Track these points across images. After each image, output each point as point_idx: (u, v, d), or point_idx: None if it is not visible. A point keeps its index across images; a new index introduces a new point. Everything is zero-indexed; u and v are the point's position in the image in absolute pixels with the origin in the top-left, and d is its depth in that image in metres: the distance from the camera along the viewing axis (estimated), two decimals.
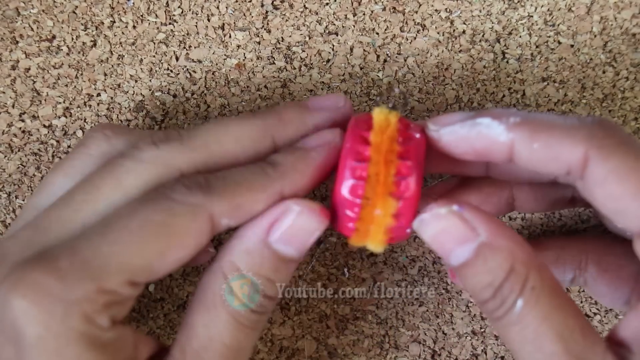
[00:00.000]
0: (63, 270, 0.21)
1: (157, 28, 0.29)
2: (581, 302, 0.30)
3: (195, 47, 0.30)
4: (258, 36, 0.30)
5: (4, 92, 0.29)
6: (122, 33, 0.29)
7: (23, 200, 0.29)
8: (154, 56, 0.29)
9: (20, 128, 0.29)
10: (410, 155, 0.22)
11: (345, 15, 0.29)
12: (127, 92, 0.29)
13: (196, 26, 0.29)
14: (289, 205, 0.22)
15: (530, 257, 0.21)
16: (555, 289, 0.21)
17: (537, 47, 0.29)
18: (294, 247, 0.22)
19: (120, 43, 0.29)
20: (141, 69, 0.29)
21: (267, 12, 0.29)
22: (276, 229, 0.22)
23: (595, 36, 0.29)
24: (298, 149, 0.24)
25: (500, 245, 0.21)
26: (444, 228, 0.22)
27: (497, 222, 0.22)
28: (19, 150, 0.29)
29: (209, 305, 0.22)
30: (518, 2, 0.29)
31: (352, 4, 0.29)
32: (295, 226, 0.22)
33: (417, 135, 0.23)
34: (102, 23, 0.29)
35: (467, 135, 0.22)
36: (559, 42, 0.29)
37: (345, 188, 0.22)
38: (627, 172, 0.20)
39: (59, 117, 0.29)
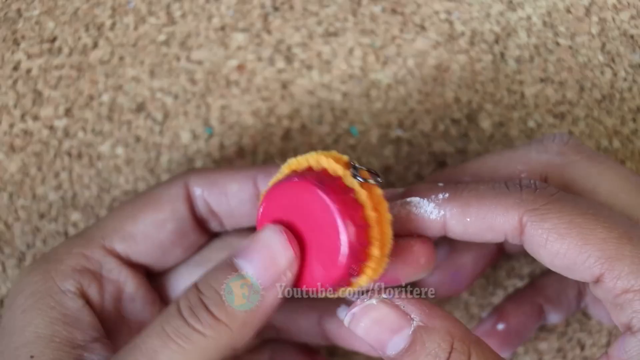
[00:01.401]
0: (57, 248, 0.25)
1: (158, 29, 0.30)
2: None
3: (196, 49, 0.30)
4: (258, 37, 0.30)
5: (5, 93, 0.30)
6: (123, 34, 0.30)
7: (25, 200, 0.30)
8: (155, 57, 0.30)
9: (22, 129, 0.30)
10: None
11: (345, 17, 0.30)
12: (129, 93, 0.30)
13: (197, 28, 0.30)
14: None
15: (467, 333, 0.22)
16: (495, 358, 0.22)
17: (535, 48, 0.30)
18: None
19: (122, 44, 0.30)
20: (142, 70, 0.30)
21: (267, 13, 0.30)
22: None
23: (593, 37, 0.30)
24: None
25: (436, 326, 0.21)
26: (377, 318, 0.22)
27: (428, 304, 0.22)
28: (20, 151, 0.30)
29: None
30: (517, 3, 0.30)
31: (352, 5, 0.30)
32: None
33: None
34: (104, 24, 0.30)
35: (398, 216, 0.22)
36: (558, 44, 0.30)
37: None
38: (567, 228, 0.21)
39: (61, 118, 0.30)
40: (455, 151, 0.30)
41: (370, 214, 0.22)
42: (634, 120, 0.30)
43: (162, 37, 0.30)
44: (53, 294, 0.24)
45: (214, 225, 0.26)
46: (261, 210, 0.23)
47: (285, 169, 0.23)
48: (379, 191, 0.22)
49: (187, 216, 0.25)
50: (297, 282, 0.23)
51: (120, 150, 0.30)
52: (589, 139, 0.30)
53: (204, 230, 0.27)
